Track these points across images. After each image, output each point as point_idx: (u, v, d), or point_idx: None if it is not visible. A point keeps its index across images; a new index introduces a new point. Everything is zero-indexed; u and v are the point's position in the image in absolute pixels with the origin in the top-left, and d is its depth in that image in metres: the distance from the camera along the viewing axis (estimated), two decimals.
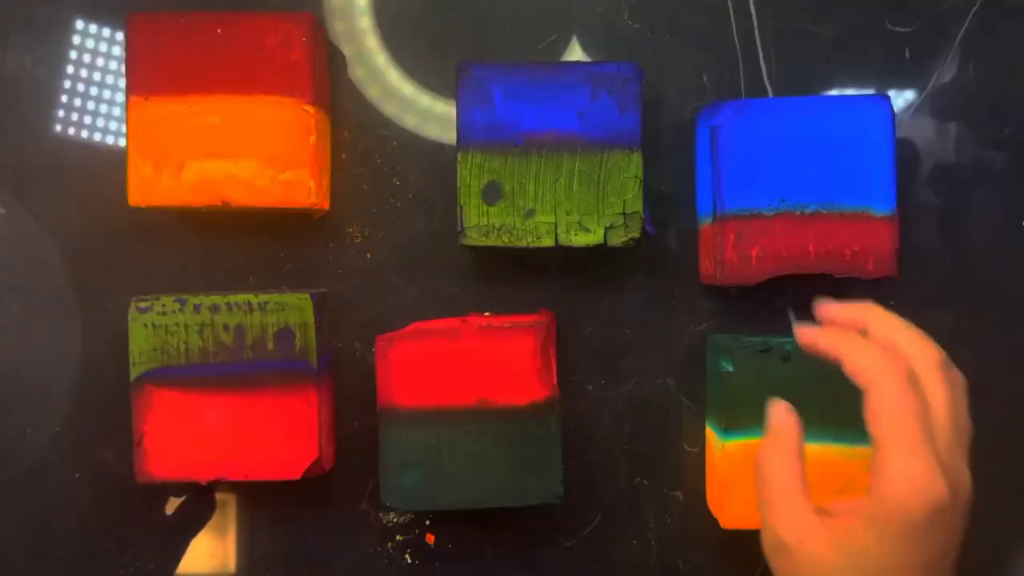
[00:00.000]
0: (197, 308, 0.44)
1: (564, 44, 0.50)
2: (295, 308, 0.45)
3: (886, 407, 0.31)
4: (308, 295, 0.45)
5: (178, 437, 0.45)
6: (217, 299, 0.45)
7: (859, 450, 0.44)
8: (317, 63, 0.46)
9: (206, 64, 0.45)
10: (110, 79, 0.51)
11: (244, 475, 0.45)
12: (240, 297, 0.45)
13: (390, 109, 0.50)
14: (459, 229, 0.44)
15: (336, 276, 0.50)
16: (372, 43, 0.50)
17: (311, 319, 0.45)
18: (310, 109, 0.45)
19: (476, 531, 0.50)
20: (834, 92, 0.49)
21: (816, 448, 0.44)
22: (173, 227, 0.50)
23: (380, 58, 0.50)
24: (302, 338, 0.45)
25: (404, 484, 0.44)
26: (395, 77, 0.50)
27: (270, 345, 0.45)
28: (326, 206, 0.49)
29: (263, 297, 0.45)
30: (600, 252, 0.47)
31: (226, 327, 0.44)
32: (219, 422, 0.45)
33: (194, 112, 0.45)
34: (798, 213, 0.44)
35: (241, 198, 0.45)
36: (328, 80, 0.49)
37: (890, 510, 0.29)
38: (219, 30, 0.45)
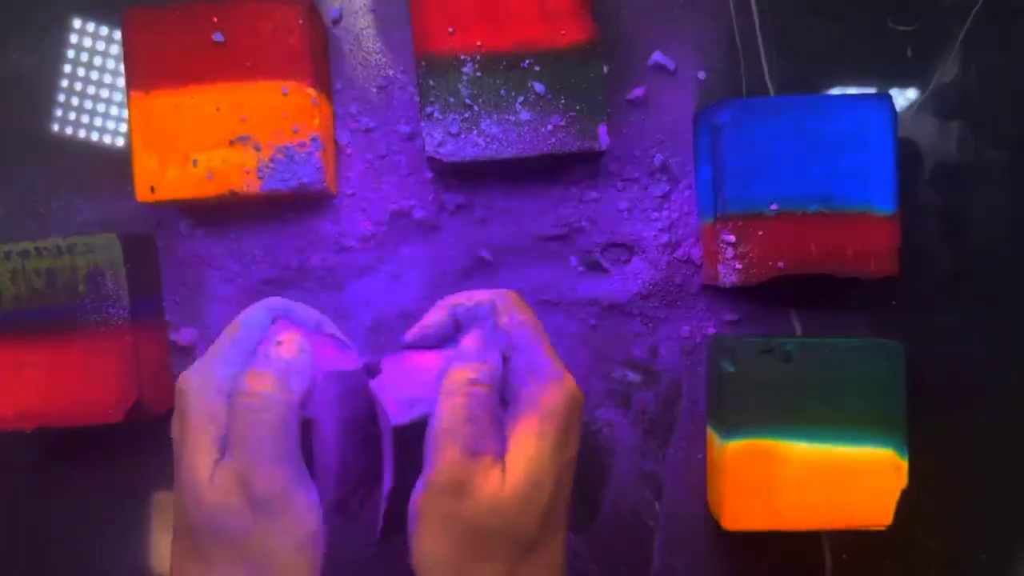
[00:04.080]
0: (8, 255, 0.45)
1: None
2: (103, 249, 0.45)
3: None
4: (115, 235, 0.45)
5: None
6: (27, 245, 0.45)
7: (859, 450, 0.44)
8: (315, 45, 0.46)
9: (205, 54, 0.45)
10: (108, 77, 0.50)
11: (67, 421, 0.45)
12: (49, 242, 0.45)
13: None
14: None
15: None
16: (369, 39, 0.50)
17: (120, 259, 0.45)
18: (311, 92, 0.45)
19: None
20: (836, 91, 0.49)
21: (816, 448, 0.44)
22: (177, 221, 0.50)
23: (380, 57, 0.50)
24: (113, 279, 0.45)
25: (447, 133, 0.44)
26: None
27: (81, 288, 0.45)
28: (334, 190, 0.49)
29: (71, 239, 0.45)
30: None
31: (37, 272, 0.45)
32: (38, 369, 0.45)
33: (196, 103, 0.45)
34: (800, 213, 0.44)
35: (249, 187, 0.45)
36: (328, 62, 0.49)
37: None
38: (215, 19, 0.45)
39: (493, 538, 0.31)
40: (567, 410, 0.32)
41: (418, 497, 0.32)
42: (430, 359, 0.35)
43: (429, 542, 0.31)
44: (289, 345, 0.34)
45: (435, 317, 0.37)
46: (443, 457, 0.31)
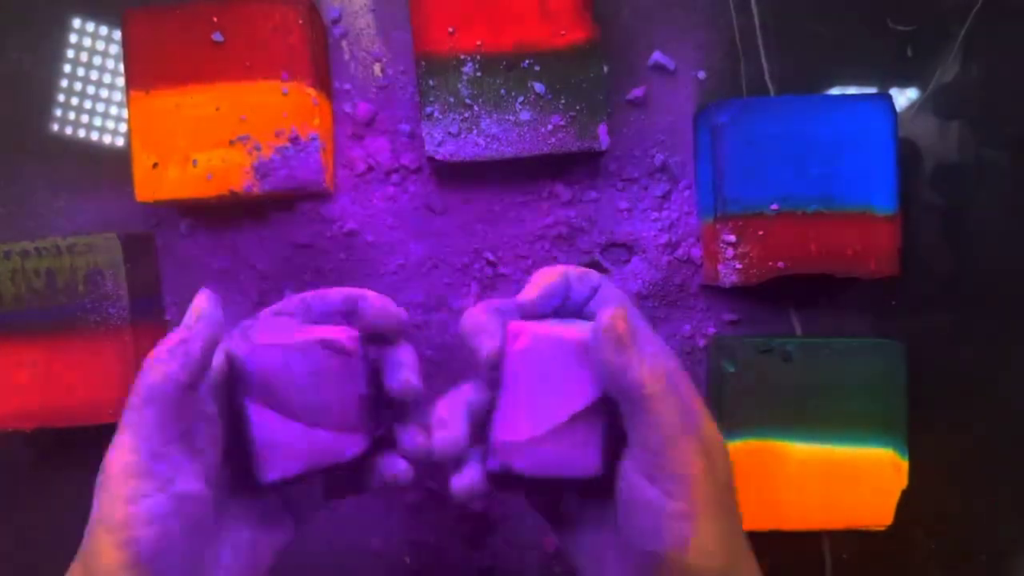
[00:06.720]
0: (8, 255, 0.45)
1: None
2: (103, 249, 0.45)
3: None
4: (115, 235, 0.45)
5: None
6: (27, 244, 0.45)
7: (859, 450, 0.44)
8: (315, 45, 0.46)
9: (205, 54, 0.45)
10: (108, 77, 0.50)
11: (67, 421, 0.45)
12: (48, 242, 0.45)
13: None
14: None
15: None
16: (369, 39, 0.50)
17: (120, 259, 0.45)
18: (311, 91, 0.45)
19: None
20: (836, 91, 0.49)
21: (816, 448, 0.44)
22: (177, 221, 0.50)
23: (380, 57, 0.50)
24: (113, 279, 0.45)
25: (447, 133, 0.44)
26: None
27: (81, 288, 0.45)
28: (332, 188, 0.49)
29: (71, 239, 0.45)
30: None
31: (37, 272, 0.45)
32: (38, 369, 0.45)
33: (196, 103, 0.45)
34: (800, 212, 0.44)
35: (249, 187, 0.45)
36: (327, 62, 0.49)
37: None
38: (215, 19, 0.45)
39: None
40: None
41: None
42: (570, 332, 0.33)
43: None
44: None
45: (551, 279, 0.34)
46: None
